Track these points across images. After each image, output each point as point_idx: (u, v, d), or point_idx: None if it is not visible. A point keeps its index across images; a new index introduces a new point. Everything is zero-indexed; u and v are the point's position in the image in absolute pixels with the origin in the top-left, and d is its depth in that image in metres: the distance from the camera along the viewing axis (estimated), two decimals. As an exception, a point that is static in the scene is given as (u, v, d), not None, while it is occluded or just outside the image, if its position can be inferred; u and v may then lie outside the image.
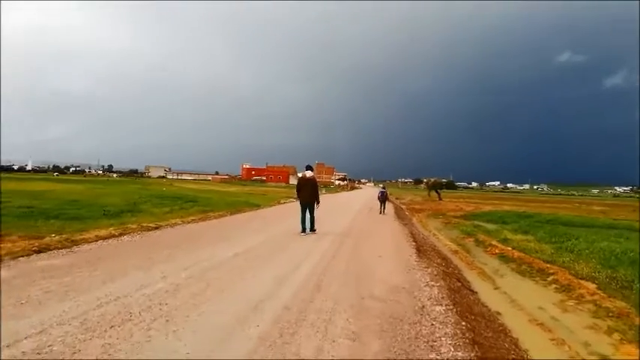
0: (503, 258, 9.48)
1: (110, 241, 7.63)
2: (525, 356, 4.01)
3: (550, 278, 7.55)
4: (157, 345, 3.15)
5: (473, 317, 4.58)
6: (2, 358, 2.84)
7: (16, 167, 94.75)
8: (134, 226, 9.49)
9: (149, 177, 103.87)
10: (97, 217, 10.87)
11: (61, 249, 6.51)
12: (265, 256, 6.88)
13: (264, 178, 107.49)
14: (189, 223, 11.11)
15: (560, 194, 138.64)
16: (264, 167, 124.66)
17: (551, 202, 49.46)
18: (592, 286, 6.84)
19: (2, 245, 6.27)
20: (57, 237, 7.40)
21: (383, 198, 20.05)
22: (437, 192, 47.23)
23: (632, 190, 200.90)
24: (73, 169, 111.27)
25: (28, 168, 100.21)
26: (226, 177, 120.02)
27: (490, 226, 15.62)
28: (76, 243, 7.05)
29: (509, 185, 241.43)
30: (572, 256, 8.98)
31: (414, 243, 9.69)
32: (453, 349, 3.42)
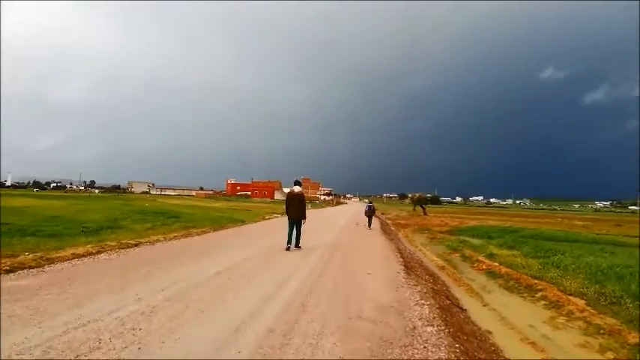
0: (491, 274, 9.39)
1: (86, 259, 7.28)
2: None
3: (539, 294, 7.46)
4: (127, 376, 2.88)
5: (465, 338, 4.40)
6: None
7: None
8: (113, 243, 9.15)
9: (132, 192, 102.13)
10: (76, 234, 10.48)
11: (35, 268, 6.16)
12: (249, 274, 6.61)
13: (249, 194, 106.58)
14: (170, 239, 10.76)
15: (543, 209, 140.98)
16: (249, 182, 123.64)
17: (534, 217, 50.07)
18: (581, 302, 6.76)
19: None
20: (31, 255, 7.05)
21: (370, 213, 20.00)
22: (422, 207, 47.41)
23: (611, 204, 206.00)
24: (54, 184, 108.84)
25: (8, 184, 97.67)
26: (211, 192, 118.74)
27: (476, 241, 15.58)
28: (51, 261, 6.71)
29: (492, 200, 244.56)
30: (559, 272, 8.91)
31: (401, 259, 9.53)
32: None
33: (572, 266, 9.33)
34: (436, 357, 3.53)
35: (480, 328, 5.45)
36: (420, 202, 50.67)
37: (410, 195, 64.60)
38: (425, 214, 42.72)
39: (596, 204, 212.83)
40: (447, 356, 3.55)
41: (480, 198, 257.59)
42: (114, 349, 3.32)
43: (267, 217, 23.71)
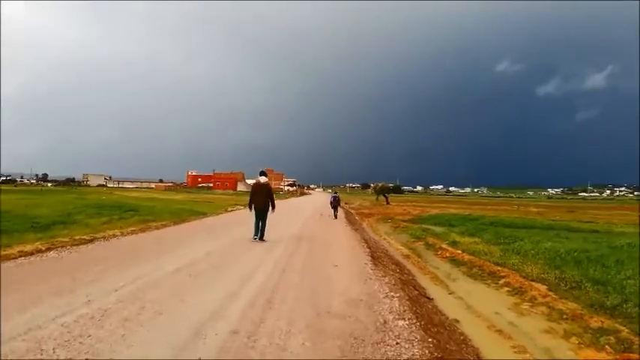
0: (454, 261, 9.49)
1: (33, 258, 6.70)
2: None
3: (502, 281, 7.57)
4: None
5: (436, 330, 4.31)
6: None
7: None
8: (65, 239, 8.56)
9: (88, 186, 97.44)
10: (25, 230, 9.68)
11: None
12: (210, 270, 6.29)
13: (211, 185, 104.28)
14: (128, 234, 10.20)
15: (500, 196, 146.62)
16: (211, 174, 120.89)
17: (492, 204, 51.89)
18: (543, 287, 6.90)
19: None
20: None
21: (335, 203, 20.12)
22: (385, 196, 47.94)
23: (563, 192, 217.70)
24: (3, 178, 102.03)
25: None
26: (171, 185, 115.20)
27: (438, 229, 15.83)
28: (-7, 261, 6.11)
29: (451, 188, 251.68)
30: (519, 258, 9.12)
31: (367, 249, 9.47)
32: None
33: (532, 252, 9.59)
34: (410, 354, 3.40)
35: (447, 318, 5.41)
36: (383, 191, 51.17)
37: (372, 185, 65.12)
38: (387, 203, 43.25)
39: (548, 191, 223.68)
40: (420, 352, 3.43)
41: (440, 187, 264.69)
42: (57, 361, 2.97)
43: (229, 209, 23.17)
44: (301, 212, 23.47)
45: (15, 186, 73.97)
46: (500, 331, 5.13)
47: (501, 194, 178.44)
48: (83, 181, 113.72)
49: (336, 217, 19.51)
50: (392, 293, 5.44)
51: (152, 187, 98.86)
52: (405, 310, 4.65)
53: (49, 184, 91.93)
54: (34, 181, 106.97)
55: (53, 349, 3.16)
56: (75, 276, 5.46)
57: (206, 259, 7.27)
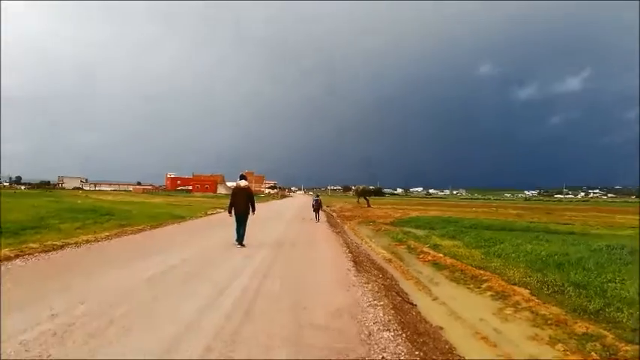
0: (436, 265, 9.43)
1: (-1, 265, 6.29)
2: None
3: (484, 285, 7.52)
4: None
5: (422, 340, 4.16)
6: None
7: None
8: (35, 245, 8.19)
9: (63, 188, 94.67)
10: (-7, 235, 9.17)
11: None
12: (186, 279, 6.00)
13: (191, 188, 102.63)
14: (102, 239, 9.80)
15: (478, 199, 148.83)
16: (191, 177, 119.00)
17: (471, 207, 52.48)
18: (525, 291, 6.85)
19: None
20: None
21: (317, 206, 20.17)
22: (366, 199, 47.90)
23: (539, 193, 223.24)
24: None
25: None
26: (149, 187, 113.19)
27: (419, 232, 15.83)
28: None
29: (431, 191, 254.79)
30: (501, 261, 9.10)
31: (350, 254, 9.29)
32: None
33: (513, 255, 9.60)
34: (396, 370, 3.23)
35: (432, 325, 5.28)
36: (364, 194, 51.08)
37: (354, 187, 65.09)
38: (369, 205, 43.22)
39: (525, 193, 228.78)
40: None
41: (420, 189, 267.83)
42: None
43: (209, 212, 22.76)
44: (282, 215, 23.20)
45: (-15, 189, 71.22)
46: (485, 339, 5.03)
47: (479, 196, 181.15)
48: (58, 184, 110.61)
49: (318, 220, 19.52)
50: (375, 301, 5.26)
51: (130, 190, 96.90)
52: (389, 320, 4.45)
53: (23, 187, 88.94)
54: (7, 184, 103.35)
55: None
56: (39, 286, 5.12)
57: (182, 266, 6.97)
